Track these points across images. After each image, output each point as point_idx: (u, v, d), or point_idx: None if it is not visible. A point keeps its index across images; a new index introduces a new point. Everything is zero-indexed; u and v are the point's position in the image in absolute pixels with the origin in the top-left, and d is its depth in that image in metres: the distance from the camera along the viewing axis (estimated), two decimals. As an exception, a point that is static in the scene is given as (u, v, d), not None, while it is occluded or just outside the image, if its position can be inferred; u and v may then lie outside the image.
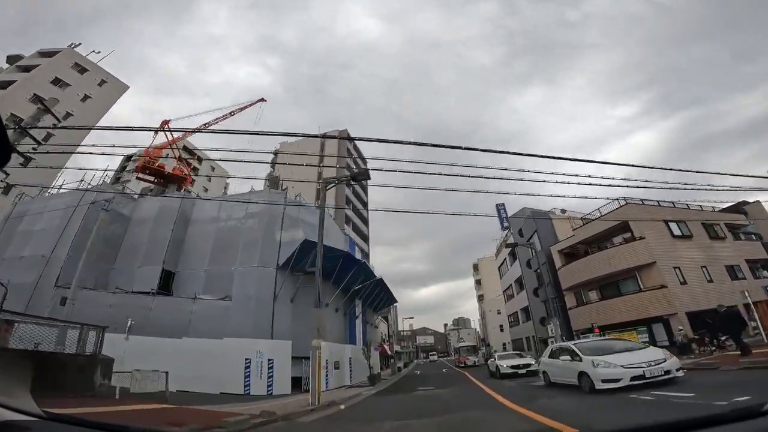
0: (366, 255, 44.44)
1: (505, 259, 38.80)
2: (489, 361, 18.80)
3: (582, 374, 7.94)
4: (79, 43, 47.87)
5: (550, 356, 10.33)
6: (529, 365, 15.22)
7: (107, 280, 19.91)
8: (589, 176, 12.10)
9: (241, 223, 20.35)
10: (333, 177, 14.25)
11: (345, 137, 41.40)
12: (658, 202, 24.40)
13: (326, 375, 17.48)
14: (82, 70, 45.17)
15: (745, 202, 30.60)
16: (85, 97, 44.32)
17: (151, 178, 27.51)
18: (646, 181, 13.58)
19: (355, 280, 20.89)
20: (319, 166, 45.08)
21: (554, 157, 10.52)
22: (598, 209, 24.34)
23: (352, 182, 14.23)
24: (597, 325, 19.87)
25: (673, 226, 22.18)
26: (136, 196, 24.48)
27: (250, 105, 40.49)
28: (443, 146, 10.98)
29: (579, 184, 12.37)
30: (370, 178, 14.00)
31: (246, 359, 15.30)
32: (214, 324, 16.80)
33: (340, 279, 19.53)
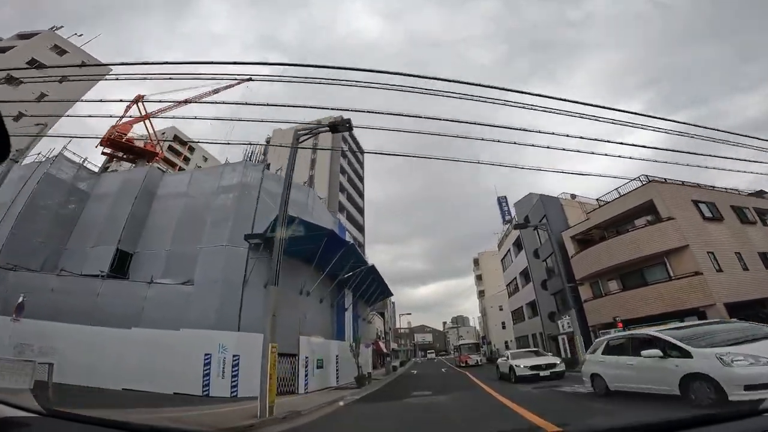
0: (361, 246, 41.84)
1: (509, 250, 36.15)
2: (499, 361, 15.69)
3: (693, 378, 5.21)
4: (61, 26, 45.69)
5: (606, 352, 7.35)
6: (553, 365, 12.32)
7: (58, 262, 17.32)
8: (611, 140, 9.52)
9: (212, 198, 17.71)
10: (307, 126, 11.61)
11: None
12: (682, 182, 21.95)
13: (306, 375, 14.92)
14: (62, 52, 43.27)
15: (762, 191, 28.83)
16: (63, 78, 42.23)
17: (119, 153, 24.85)
18: (682, 131, 11.01)
19: (342, 266, 18.27)
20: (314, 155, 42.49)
21: (562, 99, 7.97)
22: (617, 189, 21.77)
23: (332, 133, 11.47)
24: (620, 319, 17.25)
25: (703, 207, 19.65)
26: (96, 170, 21.83)
27: (237, 84, 37.71)
28: (436, 78, 8.38)
29: (598, 138, 9.83)
30: (352, 129, 11.41)
31: (206, 355, 12.74)
32: (172, 312, 14.24)
33: (325, 263, 16.91)
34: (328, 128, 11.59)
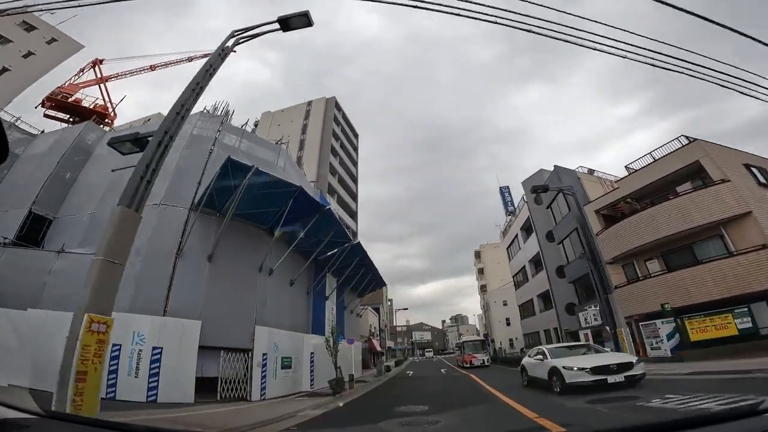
0: (353, 234, 38.29)
1: (516, 235, 32.52)
2: (527, 361, 10.81)
3: None
4: (32, 5, 43.26)
5: None
6: (628, 366, 7.81)
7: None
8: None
9: (155, 155, 14.15)
10: (249, 27, 8.27)
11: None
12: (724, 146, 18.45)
13: (264, 377, 11.38)
14: (30, 29, 40.81)
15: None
16: (28, 54, 39.85)
17: (64, 116, 21.36)
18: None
19: (318, 240, 14.72)
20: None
21: None
22: (650, 153, 18.25)
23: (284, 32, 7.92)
24: (669, 307, 13.69)
25: (756, 172, 16.20)
26: (36, 132, 18.41)
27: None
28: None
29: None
30: (311, 25, 8.01)
31: (114, 345, 9.22)
32: (82, 290, 10.70)
33: (293, 233, 13.36)
34: (277, 23, 8.14)
